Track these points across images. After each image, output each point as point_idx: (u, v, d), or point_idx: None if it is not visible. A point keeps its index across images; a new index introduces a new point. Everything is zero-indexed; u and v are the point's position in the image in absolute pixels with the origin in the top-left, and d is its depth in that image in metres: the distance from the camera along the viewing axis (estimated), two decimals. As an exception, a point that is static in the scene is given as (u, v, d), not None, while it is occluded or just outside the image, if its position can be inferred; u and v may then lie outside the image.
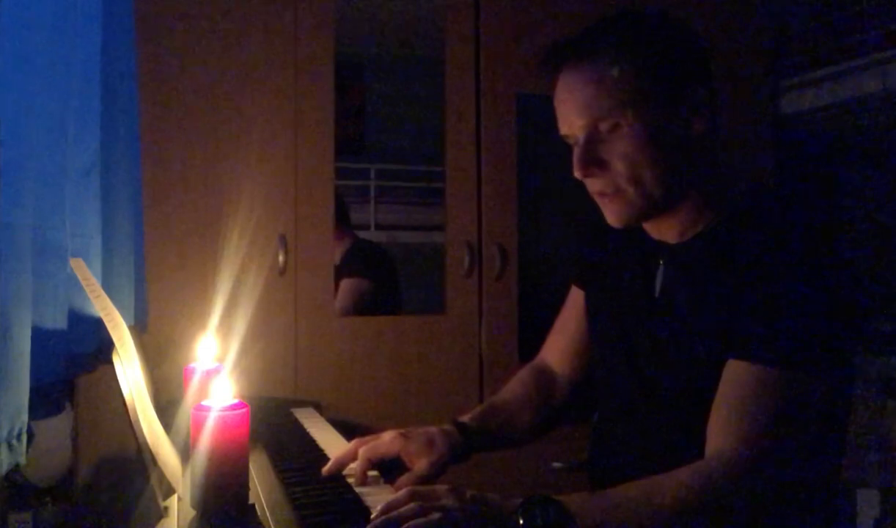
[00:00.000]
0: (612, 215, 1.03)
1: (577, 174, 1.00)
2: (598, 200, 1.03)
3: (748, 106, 2.32)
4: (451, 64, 2.06)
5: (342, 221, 2.25)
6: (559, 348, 1.30)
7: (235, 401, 0.81)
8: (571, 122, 1.01)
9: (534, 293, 2.12)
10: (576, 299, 1.27)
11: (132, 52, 1.47)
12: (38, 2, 1.04)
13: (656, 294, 1.06)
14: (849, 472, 2.14)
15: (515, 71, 2.09)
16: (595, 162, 0.99)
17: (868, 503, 2.10)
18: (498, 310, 2.05)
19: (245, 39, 1.88)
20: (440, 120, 2.07)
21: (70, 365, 1.14)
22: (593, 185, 1.02)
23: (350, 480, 1.04)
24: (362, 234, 2.38)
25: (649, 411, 1.05)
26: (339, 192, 2.08)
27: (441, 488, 0.83)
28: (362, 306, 2.19)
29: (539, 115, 2.13)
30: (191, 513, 0.80)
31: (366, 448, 1.06)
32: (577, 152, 1.00)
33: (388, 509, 0.79)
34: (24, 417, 0.91)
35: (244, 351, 1.70)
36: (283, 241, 1.87)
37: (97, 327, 1.14)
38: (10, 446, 0.89)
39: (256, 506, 0.87)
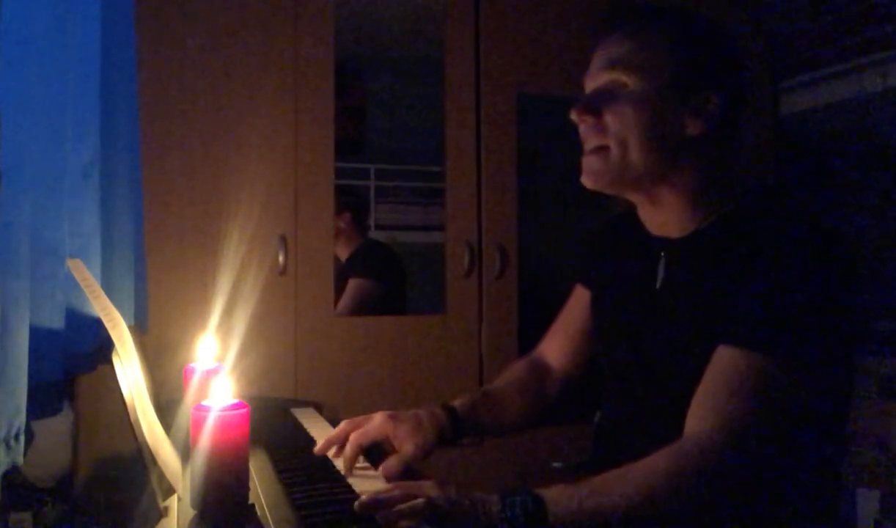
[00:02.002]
0: (589, 172, 1.05)
1: (572, 115, 1.05)
2: (584, 156, 1.06)
3: (748, 106, 2.31)
4: (451, 64, 2.06)
5: (359, 220, 2.25)
6: (558, 344, 1.32)
7: (235, 401, 0.81)
8: (594, 71, 1.06)
9: (534, 293, 2.12)
10: (579, 298, 1.28)
11: (132, 52, 1.47)
12: (38, 2, 1.04)
13: (657, 288, 1.07)
14: (849, 472, 2.14)
15: (515, 71, 2.09)
16: (592, 109, 1.03)
17: (868, 503, 2.10)
18: (498, 310, 2.05)
19: (245, 39, 1.88)
20: (440, 120, 2.07)
21: (68, 365, 1.14)
22: (583, 134, 1.06)
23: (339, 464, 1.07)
24: (362, 234, 2.38)
25: (654, 404, 1.06)
26: (359, 190, 2.08)
27: (426, 482, 0.88)
28: (368, 307, 2.18)
29: (539, 115, 2.14)
30: (191, 513, 0.80)
31: (356, 434, 1.09)
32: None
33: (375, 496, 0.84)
34: (22, 417, 0.91)
35: (244, 351, 1.69)
36: (283, 241, 1.87)
37: (96, 326, 1.14)
38: (7, 446, 0.89)
39: (256, 506, 0.87)
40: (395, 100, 2.44)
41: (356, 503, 0.83)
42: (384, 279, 2.29)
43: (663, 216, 1.07)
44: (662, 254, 1.08)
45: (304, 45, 1.92)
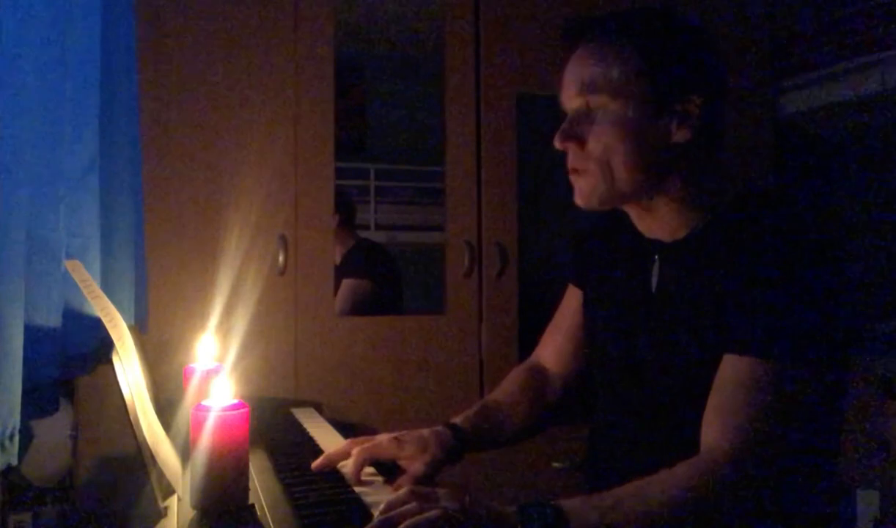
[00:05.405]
0: (579, 194, 1.05)
1: (555, 143, 1.03)
2: (570, 176, 1.05)
3: (748, 106, 2.31)
4: (451, 64, 2.06)
5: (347, 222, 2.25)
6: (554, 347, 1.31)
7: (235, 401, 0.81)
8: (568, 93, 1.04)
9: (534, 293, 2.11)
10: (572, 299, 1.28)
11: (132, 52, 1.47)
12: (38, 2, 1.04)
13: (653, 291, 1.07)
14: (849, 472, 2.14)
15: (515, 71, 2.09)
16: (573, 136, 1.02)
17: (868, 503, 2.10)
18: (498, 310, 2.05)
19: (245, 39, 1.88)
20: (440, 120, 2.07)
21: (65, 365, 1.14)
22: (569, 159, 1.04)
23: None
24: (362, 234, 2.38)
25: (648, 408, 1.05)
26: (347, 192, 2.08)
27: (441, 490, 0.84)
28: (362, 307, 2.18)
29: (539, 115, 2.13)
30: (191, 513, 0.80)
31: (359, 450, 1.07)
32: (562, 124, 1.03)
33: (388, 508, 0.80)
34: (17, 417, 0.91)
35: (244, 351, 1.70)
36: (283, 241, 1.87)
37: (95, 326, 1.14)
38: (2, 447, 0.89)
39: (256, 506, 0.87)
40: (395, 100, 2.44)
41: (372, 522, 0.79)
42: (377, 279, 2.29)
43: (656, 221, 1.06)
44: (656, 257, 1.07)
45: (304, 45, 1.92)
